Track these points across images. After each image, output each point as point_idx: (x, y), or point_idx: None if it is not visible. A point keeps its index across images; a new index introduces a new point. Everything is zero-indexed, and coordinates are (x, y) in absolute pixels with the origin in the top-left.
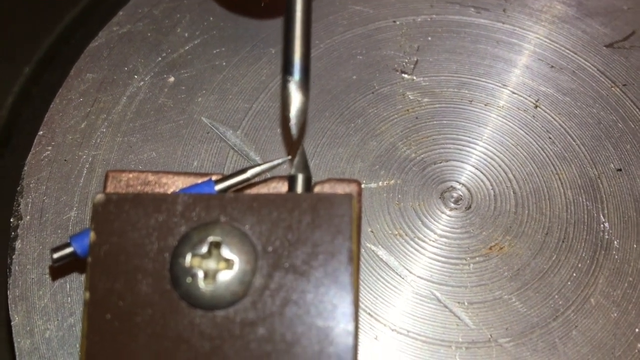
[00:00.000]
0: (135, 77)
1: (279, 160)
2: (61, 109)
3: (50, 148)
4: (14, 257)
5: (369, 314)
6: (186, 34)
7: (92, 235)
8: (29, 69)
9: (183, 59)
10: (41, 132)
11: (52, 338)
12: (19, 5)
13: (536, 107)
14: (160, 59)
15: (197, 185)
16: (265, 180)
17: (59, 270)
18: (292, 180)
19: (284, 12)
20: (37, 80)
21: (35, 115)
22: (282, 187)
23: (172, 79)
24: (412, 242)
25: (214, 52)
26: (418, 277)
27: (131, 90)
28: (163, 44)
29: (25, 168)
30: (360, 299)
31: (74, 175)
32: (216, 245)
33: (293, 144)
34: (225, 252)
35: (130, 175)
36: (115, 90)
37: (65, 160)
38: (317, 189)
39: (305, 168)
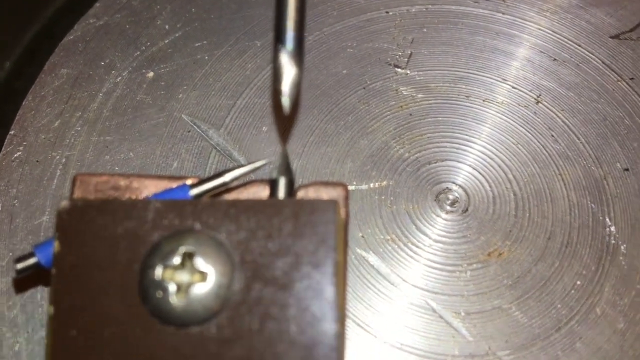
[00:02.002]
0: (113, 72)
1: (260, 163)
2: (34, 107)
3: (21, 148)
4: None
5: (359, 325)
6: (166, 27)
7: (56, 245)
8: (10, 64)
9: (163, 53)
10: (12, 132)
11: (21, 351)
12: None
13: (538, 102)
14: (138, 52)
15: (170, 190)
16: (245, 184)
17: (29, 279)
18: (273, 184)
19: None
20: (18, 76)
21: (10, 109)
22: (263, 192)
23: (151, 74)
24: (405, 248)
25: (196, 45)
26: (412, 285)
27: (108, 87)
28: (142, 37)
29: None
30: (350, 309)
31: (47, 178)
32: (189, 256)
33: (286, 126)
34: (200, 263)
35: (100, 179)
36: (91, 86)
37: (37, 161)
38: (300, 194)
39: (287, 171)
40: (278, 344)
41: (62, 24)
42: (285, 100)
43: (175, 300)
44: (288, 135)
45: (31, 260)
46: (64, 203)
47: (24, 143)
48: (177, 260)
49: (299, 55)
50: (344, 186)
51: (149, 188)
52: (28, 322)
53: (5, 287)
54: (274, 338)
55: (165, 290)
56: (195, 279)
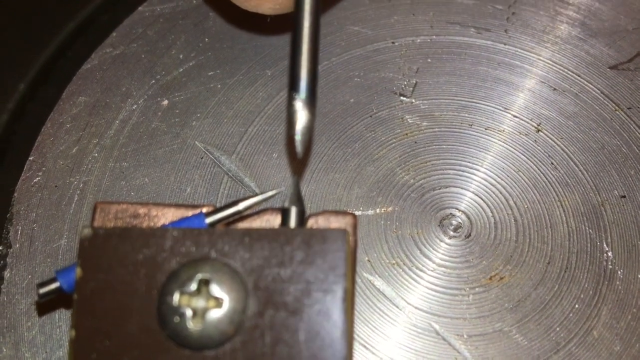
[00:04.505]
0: (129, 100)
1: (273, 192)
2: (52, 133)
3: (40, 174)
4: (2, 286)
5: (365, 346)
6: (181, 56)
7: (78, 271)
8: (24, 86)
9: (177, 82)
10: (32, 158)
11: None
12: (16, 20)
13: (538, 131)
14: (154, 81)
15: (187, 218)
16: (258, 213)
17: (48, 301)
18: (285, 213)
19: (290, 28)
20: (32, 98)
21: (29, 136)
22: (275, 220)
23: (166, 102)
24: (409, 272)
25: (209, 74)
26: (415, 308)
27: (124, 114)
28: (157, 66)
29: (15, 194)
30: (356, 330)
31: (65, 202)
32: (205, 283)
33: (297, 164)
34: (215, 289)
35: (119, 207)
36: (108, 114)
37: (55, 186)
38: (310, 222)
39: (298, 201)
40: None
41: (78, 50)
42: (299, 145)
43: (191, 325)
44: (298, 165)
45: (53, 285)
46: (86, 231)
47: (43, 169)
48: (193, 286)
49: (311, 102)
50: (353, 215)
51: (166, 216)
52: (46, 342)
53: (24, 308)
54: None
55: (182, 315)
56: (211, 305)
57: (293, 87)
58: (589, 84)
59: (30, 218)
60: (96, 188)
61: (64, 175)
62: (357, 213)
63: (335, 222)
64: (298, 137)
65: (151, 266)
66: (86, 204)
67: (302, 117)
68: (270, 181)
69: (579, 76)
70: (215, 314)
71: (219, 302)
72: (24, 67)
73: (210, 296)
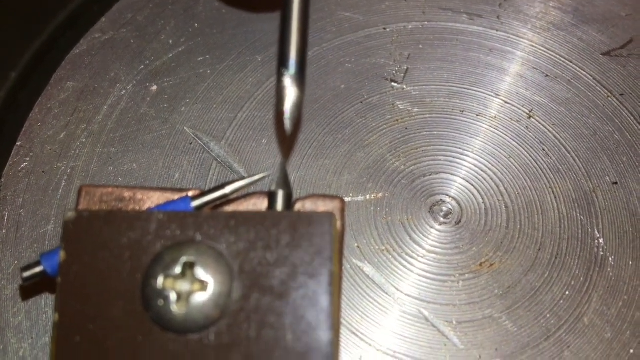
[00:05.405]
0: (117, 85)
1: (260, 176)
2: (40, 119)
3: (28, 159)
4: None
5: (354, 333)
6: (170, 41)
7: (62, 254)
8: (16, 74)
9: (166, 67)
10: (19, 143)
11: (26, 357)
12: (6, 8)
13: (530, 117)
14: (143, 66)
15: (173, 202)
16: (245, 196)
17: (34, 286)
18: (272, 197)
19: (280, 5)
20: (23, 86)
21: (17, 121)
22: (262, 204)
23: (154, 87)
24: (399, 258)
25: (199, 59)
26: (405, 294)
27: (112, 100)
28: (146, 52)
29: (2, 180)
30: (345, 317)
31: (52, 188)
32: (190, 266)
33: (286, 141)
34: (200, 272)
35: (105, 191)
36: (96, 99)
37: (43, 171)
38: (298, 206)
39: (285, 184)
40: (275, 351)
41: (68, 38)
42: (287, 122)
43: (176, 308)
44: (287, 148)
45: (37, 269)
46: (70, 214)
47: (31, 154)
48: (178, 269)
49: (300, 78)
50: (341, 199)
51: (152, 199)
52: (32, 328)
53: (10, 294)
54: (270, 345)
55: (166, 298)
56: (196, 288)
57: (282, 63)
58: (581, 71)
59: (17, 203)
60: (84, 174)
61: (52, 160)
62: (347, 199)
63: (323, 206)
64: (287, 113)
65: (136, 249)
66: (73, 190)
67: (291, 93)
68: (259, 167)
69: (571, 62)
70: (200, 297)
71: (203, 286)
72: (15, 57)
73: (195, 279)
